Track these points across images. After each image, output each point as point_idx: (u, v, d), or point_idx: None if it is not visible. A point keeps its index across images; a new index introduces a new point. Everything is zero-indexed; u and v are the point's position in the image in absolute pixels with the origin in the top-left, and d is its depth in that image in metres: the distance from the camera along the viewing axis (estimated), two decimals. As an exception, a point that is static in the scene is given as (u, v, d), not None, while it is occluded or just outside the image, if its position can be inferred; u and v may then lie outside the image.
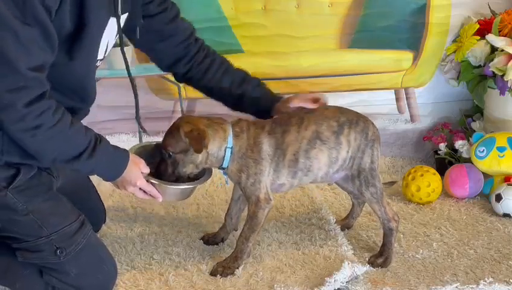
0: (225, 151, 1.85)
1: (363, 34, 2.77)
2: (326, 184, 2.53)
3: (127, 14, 1.78)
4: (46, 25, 1.49)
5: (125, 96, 2.69)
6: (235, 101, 2.01)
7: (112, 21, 1.70)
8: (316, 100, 1.96)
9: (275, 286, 1.81)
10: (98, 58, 1.74)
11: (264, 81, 2.05)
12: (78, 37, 1.60)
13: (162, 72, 2.68)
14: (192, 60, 1.97)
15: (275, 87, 2.77)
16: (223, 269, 1.88)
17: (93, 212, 2.07)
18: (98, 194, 2.13)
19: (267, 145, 1.86)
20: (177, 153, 1.82)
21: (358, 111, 2.01)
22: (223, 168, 1.88)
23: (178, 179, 1.85)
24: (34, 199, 1.68)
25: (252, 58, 2.73)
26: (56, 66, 1.57)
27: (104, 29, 1.68)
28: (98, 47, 1.70)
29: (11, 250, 1.71)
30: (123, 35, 1.80)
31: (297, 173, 1.90)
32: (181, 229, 2.20)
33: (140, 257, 2.00)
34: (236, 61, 2.72)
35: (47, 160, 1.63)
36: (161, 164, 1.85)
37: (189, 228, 2.22)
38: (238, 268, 1.89)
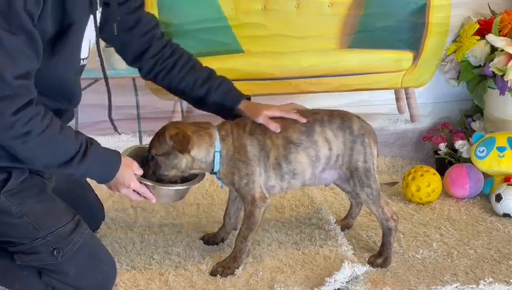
0: (214, 156, 1.86)
1: (363, 34, 2.77)
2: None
3: (101, 8, 1.78)
4: (31, 32, 1.50)
5: (125, 96, 2.70)
6: (198, 100, 1.99)
7: (90, 19, 1.71)
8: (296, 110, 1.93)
9: (275, 286, 1.81)
10: (82, 57, 1.74)
11: (233, 81, 2.02)
12: (61, 38, 1.61)
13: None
14: (157, 55, 1.96)
15: (275, 87, 2.80)
16: (223, 269, 1.88)
17: (91, 210, 2.08)
18: (95, 192, 2.13)
19: (251, 146, 1.87)
20: (160, 155, 1.83)
21: (358, 111, 2.01)
22: (215, 173, 1.89)
23: (159, 181, 1.86)
24: (27, 201, 1.68)
25: (251, 58, 2.73)
26: (40, 68, 1.58)
27: (85, 27, 1.69)
28: (81, 46, 1.70)
29: (10, 252, 1.71)
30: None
31: (284, 177, 1.90)
32: (181, 229, 2.20)
33: (140, 257, 2.00)
34: (236, 61, 2.74)
35: (39, 166, 1.64)
36: (143, 165, 1.85)
37: (189, 228, 2.22)
38: (238, 268, 1.89)
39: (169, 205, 2.41)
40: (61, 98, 1.73)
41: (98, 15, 1.76)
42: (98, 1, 1.72)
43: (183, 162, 1.84)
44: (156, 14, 2.60)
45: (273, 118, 1.90)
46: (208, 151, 1.85)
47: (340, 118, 1.92)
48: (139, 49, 1.96)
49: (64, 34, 1.61)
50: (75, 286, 1.73)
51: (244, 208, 1.91)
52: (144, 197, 1.81)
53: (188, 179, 1.92)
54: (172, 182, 1.89)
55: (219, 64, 2.71)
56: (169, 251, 2.04)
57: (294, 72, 2.77)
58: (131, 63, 2.01)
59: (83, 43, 1.71)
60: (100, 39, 1.91)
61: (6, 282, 1.73)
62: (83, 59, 1.76)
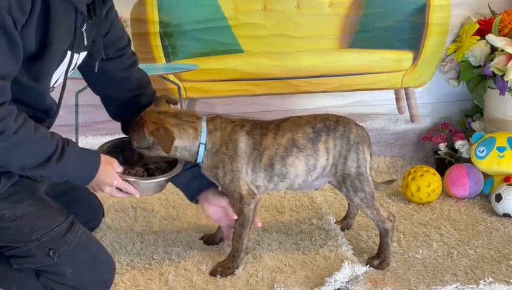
0: (199, 147, 1.85)
1: (363, 34, 2.77)
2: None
3: (85, 53, 1.77)
4: (13, 35, 1.48)
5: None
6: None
7: (68, 55, 1.69)
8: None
9: (275, 286, 1.81)
10: (50, 85, 1.73)
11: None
12: (39, 58, 1.59)
13: (162, 72, 2.70)
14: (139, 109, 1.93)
15: (275, 87, 2.80)
16: (223, 269, 1.89)
17: (89, 208, 2.08)
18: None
19: (243, 143, 1.86)
20: (142, 148, 1.84)
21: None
22: (199, 165, 1.89)
23: (145, 165, 1.90)
24: (19, 205, 1.67)
25: (252, 58, 2.73)
26: (16, 84, 1.56)
27: (62, 59, 1.68)
28: (52, 74, 1.69)
29: (6, 255, 1.70)
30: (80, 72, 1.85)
31: (273, 178, 1.89)
32: (181, 229, 2.20)
33: (140, 257, 2.00)
34: (236, 61, 2.74)
35: (16, 168, 1.60)
36: (127, 151, 1.87)
37: (189, 228, 2.22)
38: (237, 268, 1.89)
39: (169, 205, 2.41)
40: (37, 111, 1.71)
41: (80, 57, 1.75)
42: (85, 41, 1.71)
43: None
44: (156, 14, 2.61)
45: (285, 120, 1.92)
46: (193, 142, 1.84)
47: (343, 126, 1.92)
48: (125, 105, 1.94)
49: (43, 54, 1.59)
50: (73, 286, 1.72)
51: (234, 206, 1.91)
52: (127, 193, 1.81)
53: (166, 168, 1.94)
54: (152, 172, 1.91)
55: (219, 64, 2.73)
56: (169, 251, 2.04)
57: (294, 72, 2.77)
58: (115, 116, 2.00)
59: (54, 72, 1.69)
60: (88, 86, 1.96)
61: (5, 284, 1.72)
62: (50, 87, 1.75)
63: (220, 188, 1.96)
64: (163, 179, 1.88)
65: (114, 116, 2.01)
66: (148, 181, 1.86)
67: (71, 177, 1.69)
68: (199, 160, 1.87)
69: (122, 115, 1.97)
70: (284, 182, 1.91)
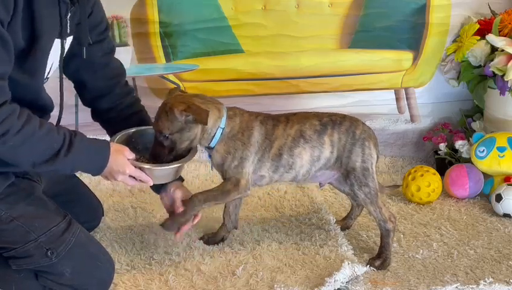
0: (216, 131, 1.87)
1: (363, 34, 2.77)
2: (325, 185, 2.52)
3: (71, 37, 1.77)
4: (1, 33, 1.48)
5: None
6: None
7: (57, 43, 1.69)
8: None
9: (275, 286, 1.81)
10: (45, 76, 1.73)
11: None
12: (30, 52, 1.59)
13: (162, 72, 2.70)
14: (116, 100, 1.95)
15: (275, 88, 2.80)
16: (172, 221, 1.90)
17: (89, 208, 2.08)
18: (89, 189, 2.12)
19: (257, 132, 1.90)
20: (174, 133, 1.82)
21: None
22: (211, 148, 1.90)
23: (175, 158, 1.86)
24: (16, 206, 1.67)
25: (252, 58, 2.73)
26: (10, 82, 1.56)
27: (51, 48, 1.67)
28: (46, 65, 1.69)
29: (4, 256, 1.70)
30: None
31: (279, 168, 1.93)
32: (181, 229, 2.20)
33: (140, 257, 2.00)
34: (236, 61, 2.74)
35: (26, 165, 1.60)
36: (156, 146, 1.85)
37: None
38: (185, 223, 1.90)
39: (169, 205, 2.40)
40: (32, 108, 1.69)
41: (67, 43, 1.75)
42: (68, 29, 1.71)
43: (195, 132, 1.84)
44: (156, 14, 2.62)
45: (294, 114, 1.95)
46: (215, 124, 1.87)
47: (350, 122, 1.96)
48: (100, 92, 1.95)
49: (33, 48, 1.59)
50: (71, 285, 1.72)
51: (224, 183, 1.90)
52: (140, 180, 1.79)
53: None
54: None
55: (219, 64, 2.73)
56: (169, 251, 2.04)
57: (294, 72, 2.77)
58: (88, 103, 2.00)
59: (47, 62, 1.69)
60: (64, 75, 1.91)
61: (4, 285, 1.72)
62: (45, 78, 1.74)
63: (219, 173, 1.96)
64: (176, 165, 1.86)
65: (87, 103, 2.00)
66: (161, 168, 1.84)
67: (82, 169, 1.70)
68: (213, 144, 1.89)
69: (97, 102, 1.97)
70: (289, 173, 1.94)
